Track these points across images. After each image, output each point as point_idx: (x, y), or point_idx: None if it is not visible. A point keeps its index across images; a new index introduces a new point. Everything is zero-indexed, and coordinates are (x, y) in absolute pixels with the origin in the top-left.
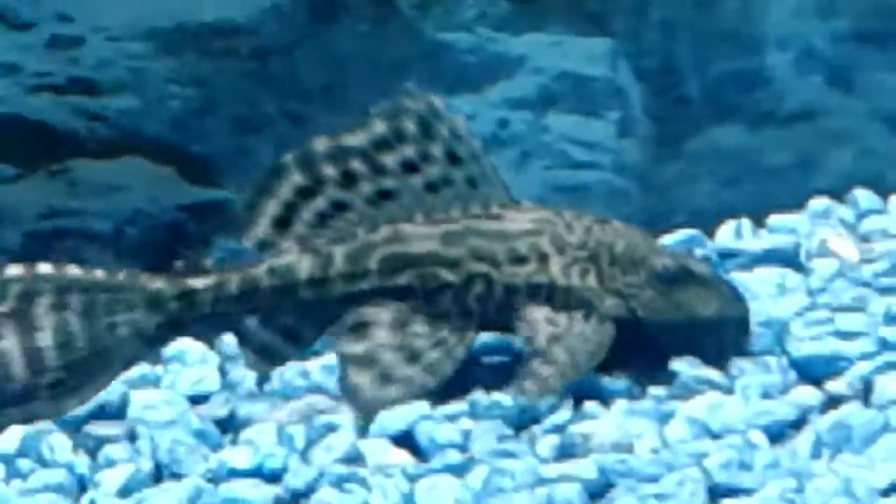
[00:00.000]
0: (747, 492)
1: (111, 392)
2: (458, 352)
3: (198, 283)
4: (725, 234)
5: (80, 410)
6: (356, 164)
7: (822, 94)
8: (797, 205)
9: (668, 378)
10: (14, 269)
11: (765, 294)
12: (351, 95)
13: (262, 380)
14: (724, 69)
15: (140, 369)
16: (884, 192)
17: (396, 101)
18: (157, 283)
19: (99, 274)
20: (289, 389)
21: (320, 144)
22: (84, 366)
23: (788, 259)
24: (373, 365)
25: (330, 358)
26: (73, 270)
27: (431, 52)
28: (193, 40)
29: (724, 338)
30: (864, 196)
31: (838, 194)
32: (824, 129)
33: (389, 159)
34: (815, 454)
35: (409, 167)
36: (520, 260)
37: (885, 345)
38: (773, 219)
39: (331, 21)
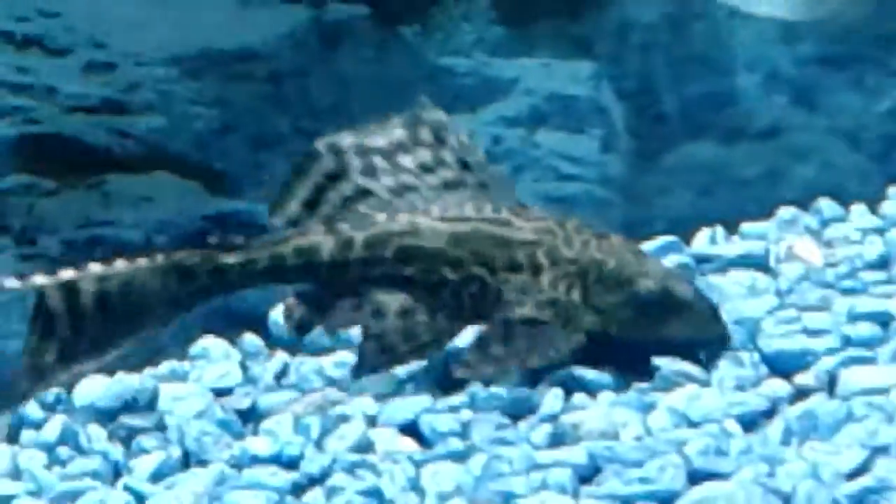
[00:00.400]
0: (724, 476)
1: (142, 386)
2: (447, 340)
3: (229, 258)
4: (701, 241)
5: (115, 403)
6: (378, 161)
7: (787, 112)
8: (766, 214)
9: (650, 372)
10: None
11: (737, 295)
12: (358, 115)
13: (280, 375)
14: (698, 90)
15: (169, 365)
16: (845, 202)
17: (413, 112)
18: (191, 259)
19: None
20: (305, 383)
21: (346, 139)
22: (128, 327)
23: (759, 263)
24: (379, 339)
25: (342, 355)
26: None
27: (432, 74)
28: (215, 65)
29: (695, 353)
30: (827, 205)
31: (803, 204)
32: (789, 144)
33: (408, 160)
34: (785, 441)
35: (426, 168)
36: (515, 268)
37: (848, 341)
38: (745, 226)
39: (339, 46)
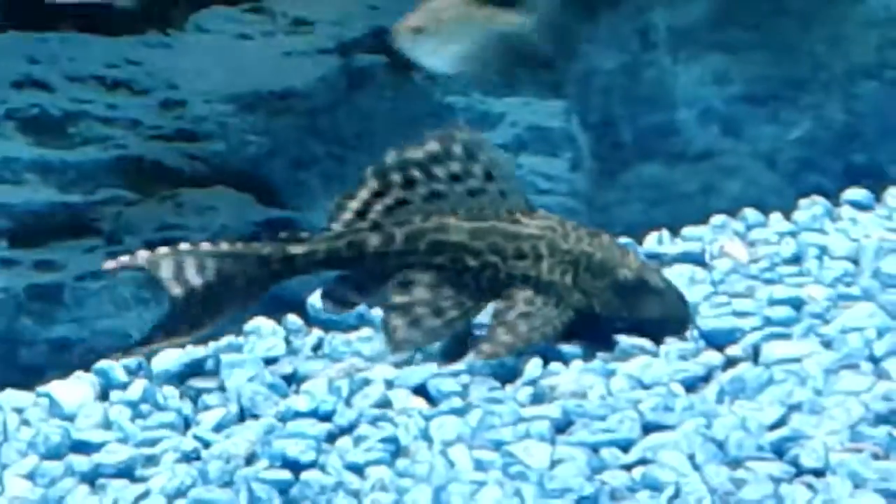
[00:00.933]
0: (671, 427)
1: (207, 356)
2: (471, 315)
3: (296, 249)
4: (650, 242)
5: (185, 369)
6: (415, 172)
7: (718, 140)
8: (702, 220)
9: (611, 346)
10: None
11: (680, 285)
12: (377, 142)
13: (316, 347)
14: (647, 122)
15: (227, 339)
16: (765, 211)
17: (448, 131)
18: (266, 249)
19: (224, 245)
20: (336, 354)
21: (390, 157)
22: (217, 305)
23: (697, 259)
24: (408, 313)
25: (366, 332)
26: (206, 244)
27: (437, 110)
28: (264, 102)
29: (665, 329)
30: (750, 214)
31: (732, 212)
32: (720, 165)
33: (440, 170)
34: (719, 400)
35: (455, 178)
36: (521, 256)
37: (768, 321)
38: (685, 230)
39: (363, 87)
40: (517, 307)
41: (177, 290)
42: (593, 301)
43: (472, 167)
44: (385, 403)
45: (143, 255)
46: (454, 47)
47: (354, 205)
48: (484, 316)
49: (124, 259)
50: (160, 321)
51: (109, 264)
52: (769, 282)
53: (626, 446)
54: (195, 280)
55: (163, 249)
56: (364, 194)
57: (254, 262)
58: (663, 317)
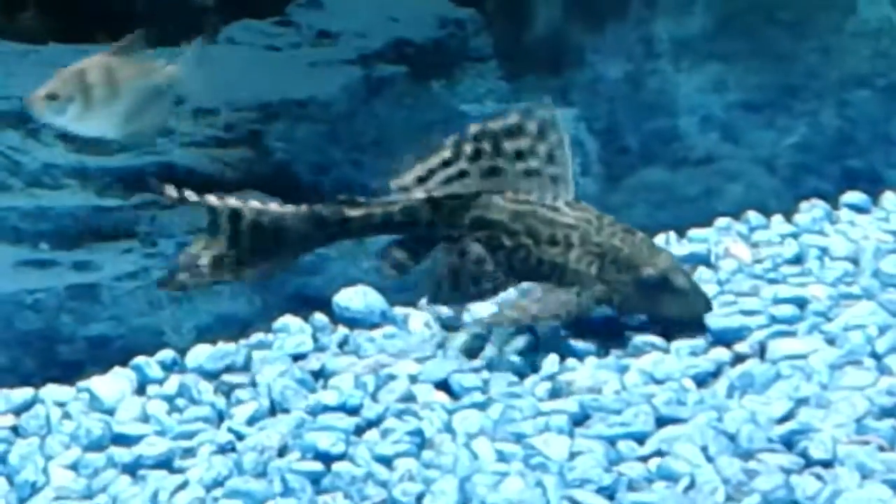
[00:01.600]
0: (683, 420)
1: (238, 353)
2: (501, 290)
3: (353, 213)
4: (659, 243)
5: (218, 365)
6: (486, 145)
7: (719, 146)
8: (706, 222)
9: (624, 343)
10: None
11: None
12: (394, 148)
13: (342, 344)
14: (651, 128)
15: (258, 337)
16: (767, 213)
17: (531, 105)
18: (325, 211)
19: (290, 207)
20: (361, 351)
21: (473, 128)
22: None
23: (703, 260)
24: (452, 278)
25: (389, 329)
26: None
27: (452, 117)
28: (289, 110)
29: (681, 329)
30: (753, 216)
31: (735, 215)
32: (722, 170)
33: (509, 145)
34: (729, 395)
35: (519, 154)
36: (554, 243)
37: (774, 319)
38: (691, 232)
39: (381, 95)
40: (535, 294)
41: (229, 231)
42: (613, 294)
43: (538, 146)
44: (409, 398)
45: (210, 199)
46: (106, 110)
47: (419, 169)
48: None
49: (191, 194)
50: (190, 248)
51: (171, 191)
52: (773, 281)
53: (641, 439)
54: (249, 227)
55: (231, 199)
56: (433, 161)
57: (312, 221)
58: (681, 317)
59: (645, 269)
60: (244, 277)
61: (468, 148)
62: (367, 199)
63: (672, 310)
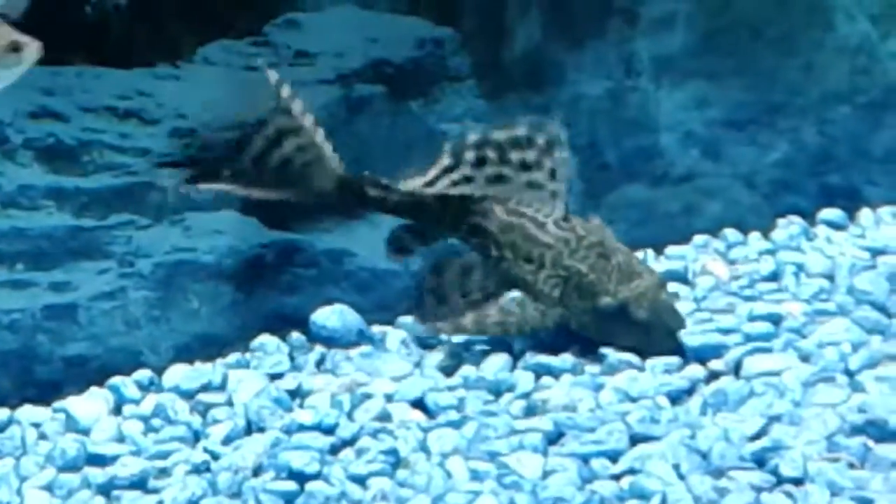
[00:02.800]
0: (657, 438)
1: (215, 372)
2: (493, 299)
3: (371, 191)
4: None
5: (194, 385)
6: (489, 153)
7: (699, 162)
8: (684, 240)
9: (599, 360)
10: None
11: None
12: (375, 166)
13: (319, 363)
14: (632, 145)
15: (234, 356)
16: (744, 231)
17: (540, 119)
18: (354, 181)
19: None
20: (338, 370)
21: (472, 136)
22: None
23: (680, 277)
24: (438, 292)
25: (365, 348)
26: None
27: (431, 136)
28: None
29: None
30: (731, 233)
31: (713, 232)
32: (701, 187)
33: (515, 155)
34: (703, 412)
35: (525, 166)
36: (529, 260)
37: (749, 337)
38: (669, 250)
39: (360, 115)
40: (504, 304)
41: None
42: (571, 319)
43: (544, 160)
44: (385, 417)
45: (297, 105)
46: None
47: (420, 180)
48: None
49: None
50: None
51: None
52: (749, 298)
53: (614, 457)
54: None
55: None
56: (435, 168)
57: (334, 178)
58: (639, 348)
59: (603, 297)
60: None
61: (469, 154)
62: (388, 184)
63: (628, 340)
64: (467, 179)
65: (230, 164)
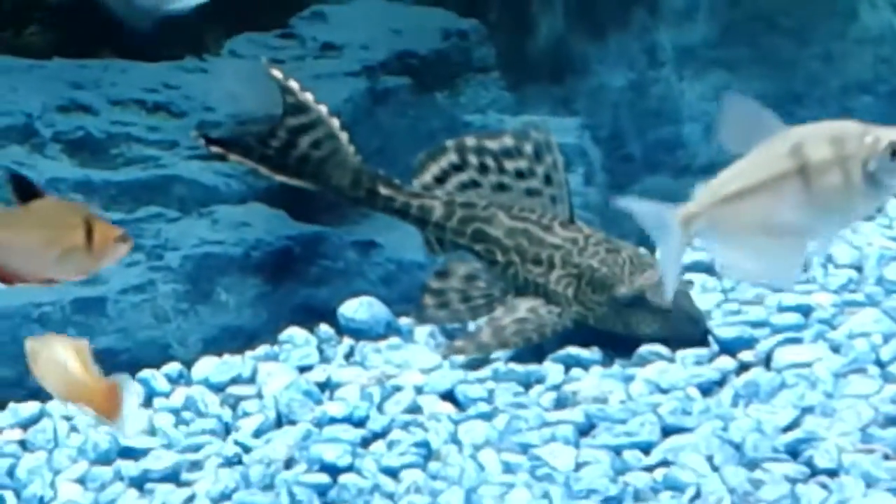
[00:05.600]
0: (689, 430)
1: (245, 365)
2: (497, 305)
3: (382, 190)
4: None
5: (224, 378)
6: (489, 160)
7: (722, 153)
8: None
9: (630, 352)
10: None
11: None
12: (398, 157)
13: (348, 355)
14: (655, 136)
15: (264, 349)
16: None
17: (524, 128)
18: (366, 174)
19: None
20: (367, 362)
21: (470, 140)
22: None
23: (708, 268)
24: (441, 296)
25: (394, 340)
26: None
27: (456, 127)
28: None
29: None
30: None
31: None
32: None
33: (510, 164)
34: (734, 404)
35: (520, 174)
36: (537, 262)
37: (779, 327)
38: (695, 241)
39: (385, 106)
40: (516, 313)
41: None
42: (589, 315)
43: (536, 168)
44: (415, 409)
45: (306, 95)
46: None
47: (435, 169)
48: None
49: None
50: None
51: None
52: (777, 289)
53: (647, 448)
54: (307, 141)
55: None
56: (444, 163)
57: (351, 174)
58: (660, 336)
59: (619, 288)
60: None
61: (473, 159)
62: (401, 185)
63: (649, 329)
64: (475, 184)
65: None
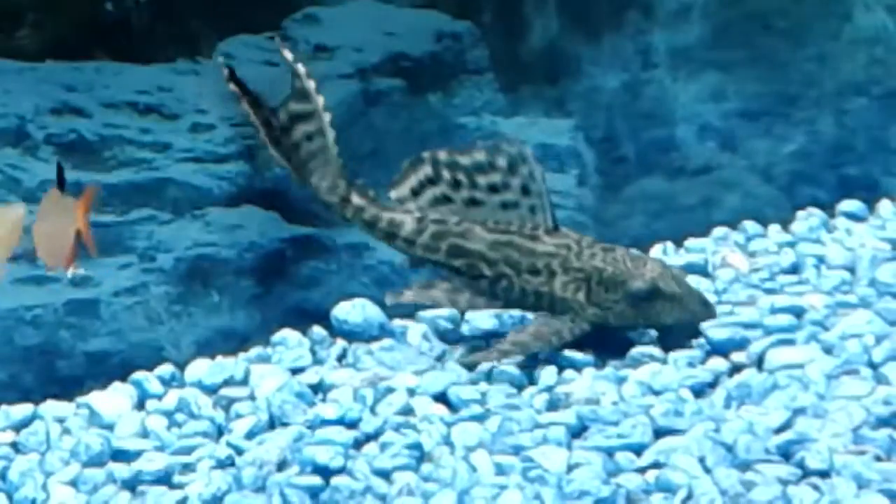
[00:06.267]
0: (681, 431)
1: (237, 367)
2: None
3: (355, 199)
4: (656, 254)
5: (217, 380)
6: (461, 176)
7: (716, 155)
8: (704, 232)
9: (622, 354)
10: None
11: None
12: (391, 158)
13: (341, 357)
14: (649, 137)
15: (256, 351)
16: (764, 223)
17: (496, 142)
18: (344, 182)
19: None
20: (359, 364)
21: (442, 154)
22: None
23: (700, 270)
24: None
25: (387, 342)
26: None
27: (449, 129)
28: None
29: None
30: (750, 225)
31: (732, 224)
32: (719, 179)
33: (482, 179)
34: (727, 405)
35: (493, 188)
36: (535, 272)
37: (771, 329)
38: (689, 242)
39: (379, 108)
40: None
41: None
42: (608, 314)
43: (511, 180)
44: (408, 411)
45: (310, 84)
46: None
47: (412, 181)
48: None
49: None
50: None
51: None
52: (770, 291)
53: (639, 450)
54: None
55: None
56: (420, 175)
57: (331, 176)
58: (681, 321)
59: (632, 283)
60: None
61: (447, 174)
62: (375, 196)
63: (670, 317)
64: (447, 199)
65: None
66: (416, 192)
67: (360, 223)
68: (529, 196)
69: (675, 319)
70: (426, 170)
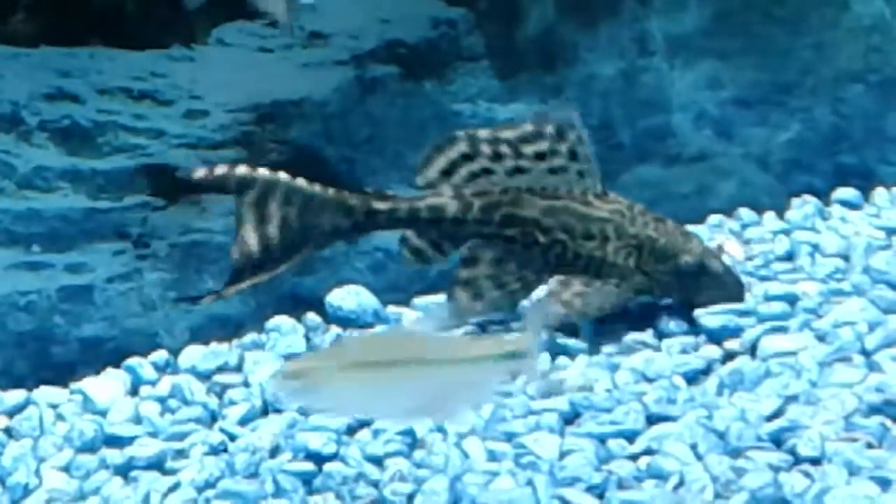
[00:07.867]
0: (673, 418)
1: (231, 353)
2: (533, 288)
3: (380, 205)
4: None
5: (210, 366)
6: (504, 148)
7: (712, 142)
8: (699, 219)
9: (616, 341)
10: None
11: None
12: (386, 146)
13: (335, 343)
14: (645, 125)
15: (250, 337)
16: (759, 210)
17: (544, 111)
18: (353, 200)
19: (317, 187)
20: None
21: (482, 132)
22: (295, 245)
23: None
24: (472, 286)
25: (381, 328)
26: (301, 181)
27: (445, 116)
28: (283, 110)
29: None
30: (745, 213)
31: (727, 212)
32: (715, 167)
33: (528, 148)
34: (719, 392)
35: (540, 156)
36: (589, 237)
37: (765, 316)
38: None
39: (374, 95)
40: (573, 287)
41: (253, 222)
42: (653, 283)
43: (559, 146)
44: None
45: (241, 170)
46: None
47: (441, 162)
48: None
49: (220, 169)
50: (240, 263)
51: (200, 172)
52: (764, 278)
53: (631, 437)
54: (277, 212)
55: (262, 171)
56: (453, 154)
57: (339, 210)
58: (718, 299)
59: (683, 257)
60: (277, 271)
61: (486, 148)
62: (395, 194)
63: (709, 295)
64: (487, 172)
65: None
66: (447, 172)
67: (396, 223)
68: (577, 160)
69: (709, 299)
70: (460, 147)
